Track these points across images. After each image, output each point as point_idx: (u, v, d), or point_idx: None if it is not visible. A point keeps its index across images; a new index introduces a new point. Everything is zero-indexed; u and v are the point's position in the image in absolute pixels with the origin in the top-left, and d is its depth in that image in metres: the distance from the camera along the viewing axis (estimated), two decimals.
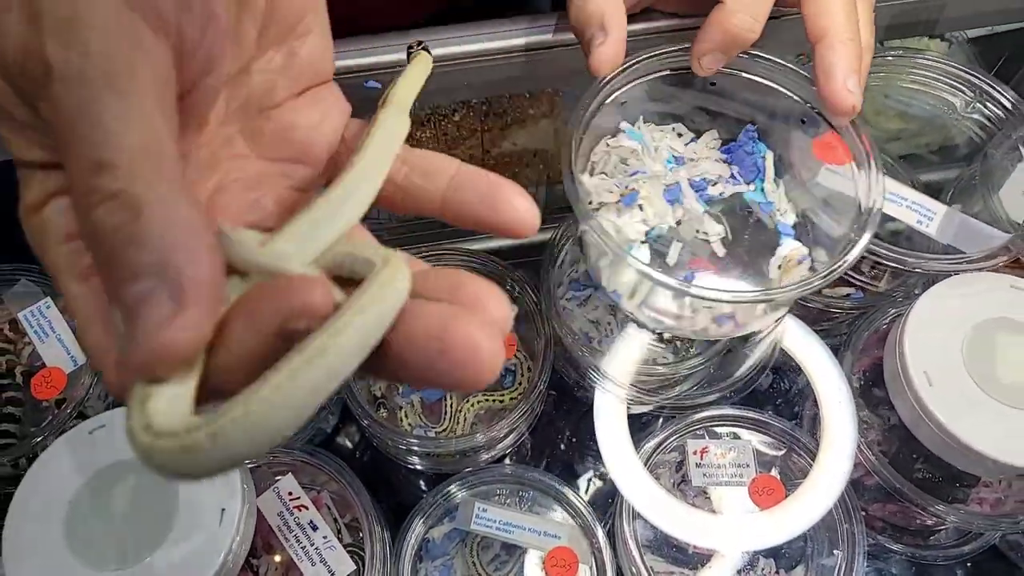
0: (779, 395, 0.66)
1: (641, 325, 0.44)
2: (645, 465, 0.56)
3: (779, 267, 0.42)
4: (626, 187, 0.42)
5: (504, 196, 0.28)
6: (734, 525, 0.53)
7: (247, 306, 0.21)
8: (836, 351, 0.55)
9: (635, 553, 0.53)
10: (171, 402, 0.20)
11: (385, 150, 0.29)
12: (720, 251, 0.43)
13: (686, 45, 0.42)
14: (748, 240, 0.43)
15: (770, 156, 0.45)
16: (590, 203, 0.43)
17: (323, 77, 0.31)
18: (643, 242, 0.43)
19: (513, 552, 0.60)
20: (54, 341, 0.56)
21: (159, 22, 0.22)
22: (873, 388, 0.54)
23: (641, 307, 0.41)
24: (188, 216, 0.21)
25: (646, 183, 0.42)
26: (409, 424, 0.61)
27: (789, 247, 0.42)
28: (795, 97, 0.44)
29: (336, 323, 0.20)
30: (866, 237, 0.38)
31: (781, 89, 0.44)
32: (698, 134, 0.47)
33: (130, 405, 0.20)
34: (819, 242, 0.43)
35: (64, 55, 0.21)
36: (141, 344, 0.19)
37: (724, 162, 0.45)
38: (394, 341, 0.22)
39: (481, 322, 0.22)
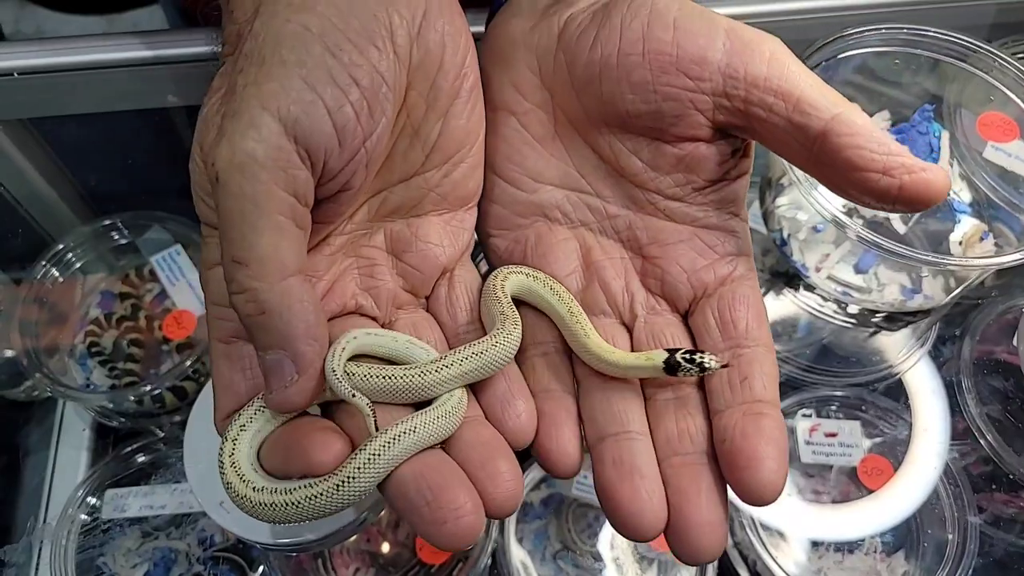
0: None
1: (827, 298, 0.44)
2: None
3: (960, 243, 0.43)
4: None
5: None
6: (838, 510, 0.53)
7: (281, 440, 0.30)
8: (952, 339, 0.55)
9: (748, 529, 0.53)
10: (253, 438, 0.30)
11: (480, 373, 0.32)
12: (901, 228, 0.43)
13: (861, 29, 0.42)
14: (925, 218, 0.43)
15: (946, 136, 0.45)
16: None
17: (468, 198, 0.36)
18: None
19: (604, 522, 0.61)
20: (184, 286, 0.58)
21: (306, 155, 0.28)
22: (990, 376, 0.54)
23: (829, 280, 0.42)
24: (302, 315, 0.28)
25: None
26: None
27: (968, 224, 0.42)
28: (979, 73, 0.44)
29: (395, 430, 0.28)
30: None
31: (961, 65, 0.44)
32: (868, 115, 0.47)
33: (223, 444, 0.30)
34: (1001, 220, 0.44)
35: (228, 169, 0.27)
36: (275, 396, 0.29)
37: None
38: (403, 472, 0.28)
39: (471, 496, 0.27)
